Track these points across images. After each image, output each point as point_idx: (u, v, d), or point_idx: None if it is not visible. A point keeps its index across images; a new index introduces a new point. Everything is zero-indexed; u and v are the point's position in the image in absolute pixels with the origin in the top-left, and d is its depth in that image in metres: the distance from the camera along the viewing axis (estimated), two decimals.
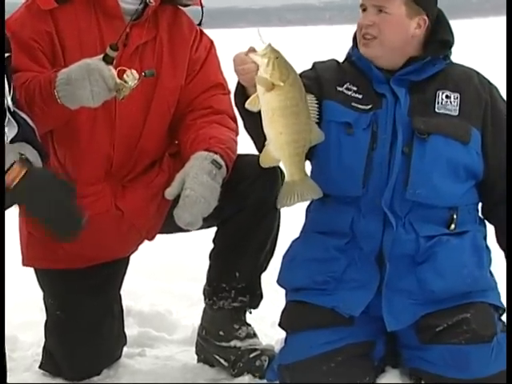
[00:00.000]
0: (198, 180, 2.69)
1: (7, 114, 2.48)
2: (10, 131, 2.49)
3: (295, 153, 2.52)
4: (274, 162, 2.56)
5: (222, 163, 2.75)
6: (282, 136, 2.50)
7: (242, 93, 2.59)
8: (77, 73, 2.62)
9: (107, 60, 2.63)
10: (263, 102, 2.48)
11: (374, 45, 2.77)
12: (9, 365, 2.59)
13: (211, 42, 3.00)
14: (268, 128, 2.51)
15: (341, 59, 2.92)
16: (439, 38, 2.81)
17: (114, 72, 2.63)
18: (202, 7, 2.97)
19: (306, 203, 2.88)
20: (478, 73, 2.88)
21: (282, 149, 2.52)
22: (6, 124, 2.47)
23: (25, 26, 2.77)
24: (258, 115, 2.53)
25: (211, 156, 2.74)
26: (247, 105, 2.53)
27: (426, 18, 2.79)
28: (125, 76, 2.63)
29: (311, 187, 2.64)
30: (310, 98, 2.53)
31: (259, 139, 2.60)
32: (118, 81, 2.62)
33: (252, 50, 2.49)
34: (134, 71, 2.65)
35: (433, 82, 2.80)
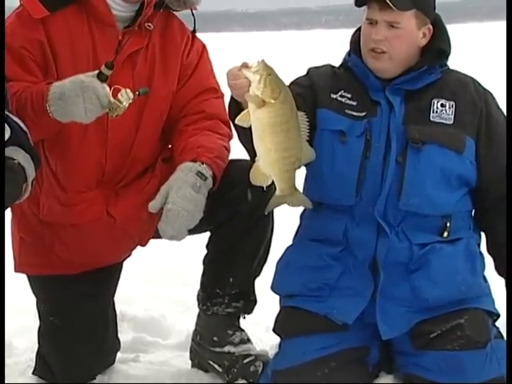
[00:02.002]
0: (181, 193, 2.68)
1: None
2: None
3: (285, 169, 2.51)
4: (265, 179, 2.54)
5: (208, 174, 2.73)
6: (271, 153, 2.49)
7: (236, 106, 2.58)
8: (70, 89, 2.60)
9: (101, 78, 2.62)
10: (253, 118, 2.47)
11: (384, 59, 2.76)
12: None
13: (203, 46, 2.99)
14: (258, 144, 2.51)
15: (336, 63, 2.92)
16: (436, 46, 2.80)
17: (109, 90, 2.62)
18: (193, 15, 2.96)
19: (300, 209, 2.88)
20: (474, 80, 2.87)
21: (271, 165, 2.51)
22: None
23: (15, 35, 2.75)
24: (250, 130, 2.52)
25: (196, 167, 2.72)
26: (238, 121, 2.52)
27: (430, 26, 2.78)
28: (119, 95, 2.62)
29: (301, 201, 2.64)
30: (300, 115, 2.52)
31: (251, 153, 2.60)
32: (112, 100, 2.61)
33: (245, 65, 2.48)
34: (129, 90, 2.64)
35: (428, 91, 2.80)
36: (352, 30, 2.90)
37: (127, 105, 2.63)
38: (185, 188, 2.68)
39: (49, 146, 2.83)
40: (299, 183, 2.68)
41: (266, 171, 2.52)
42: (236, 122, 2.53)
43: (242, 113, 2.50)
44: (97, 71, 2.63)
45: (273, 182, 2.54)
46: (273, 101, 2.44)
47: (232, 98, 2.58)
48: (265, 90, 2.44)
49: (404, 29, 2.74)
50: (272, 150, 2.49)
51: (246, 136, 2.56)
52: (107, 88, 2.62)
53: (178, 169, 2.74)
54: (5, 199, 2.44)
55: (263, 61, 2.46)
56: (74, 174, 2.84)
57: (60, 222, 2.86)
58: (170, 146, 2.99)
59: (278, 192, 2.57)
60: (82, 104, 2.59)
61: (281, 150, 2.49)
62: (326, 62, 2.95)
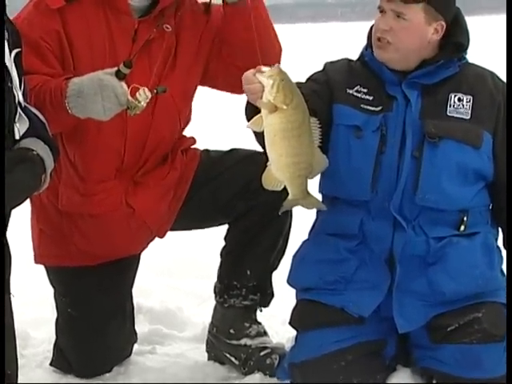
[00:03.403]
0: None
1: (18, 109, 2.48)
2: (22, 126, 2.49)
3: (296, 175, 2.51)
4: (277, 183, 2.54)
5: None
6: (282, 158, 2.49)
7: (252, 110, 2.56)
8: (89, 87, 2.61)
9: (120, 76, 2.62)
10: (266, 123, 2.47)
11: (389, 50, 2.75)
12: (20, 361, 2.59)
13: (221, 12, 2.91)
14: (269, 149, 2.51)
15: (352, 56, 2.91)
16: (454, 40, 2.78)
17: (127, 89, 2.63)
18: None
19: None
20: (492, 74, 2.85)
21: (282, 171, 2.51)
22: (17, 120, 2.48)
23: (33, 26, 2.76)
24: (263, 134, 2.52)
25: None
26: (250, 125, 2.52)
27: (443, 23, 2.75)
28: (137, 95, 2.63)
29: (314, 204, 2.65)
30: (313, 121, 2.52)
31: (266, 156, 2.60)
32: (130, 98, 2.62)
33: (259, 70, 2.48)
34: (147, 89, 2.64)
35: (446, 85, 2.78)
36: (368, 23, 2.89)
37: (145, 104, 2.64)
38: None
39: (67, 136, 2.84)
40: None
41: (277, 176, 2.53)
42: (248, 126, 2.53)
43: (255, 117, 2.51)
44: (115, 69, 2.63)
45: (285, 186, 2.54)
46: (285, 106, 2.45)
47: (248, 101, 2.58)
48: (277, 96, 2.44)
49: (411, 21, 2.72)
50: (283, 156, 2.49)
51: (260, 139, 2.56)
52: (125, 86, 2.63)
53: None
54: (24, 190, 2.45)
55: (277, 66, 2.46)
56: (93, 164, 2.85)
57: (79, 212, 2.87)
58: (189, 136, 2.99)
59: (290, 196, 2.57)
60: (101, 102, 2.60)
61: (292, 156, 2.49)
62: (342, 56, 2.94)
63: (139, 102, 2.63)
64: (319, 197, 2.84)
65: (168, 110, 2.89)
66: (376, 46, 2.77)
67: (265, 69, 2.47)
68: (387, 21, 2.73)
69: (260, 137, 2.57)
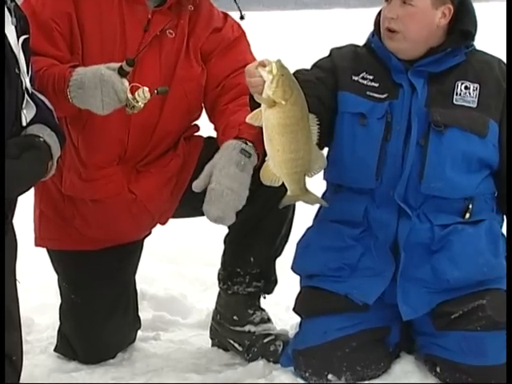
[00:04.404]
0: (225, 172, 2.64)
1: (25, 95, 2.48)
2: (29, 113, 2.49)
3: (293, 171, 2.50)
4: (275, 179, 2.53)
5: (252, 151, 2.69)
6: (279, 154, 2.48)
7: (255, 103, 2.54)
8: (90, 80, 2.61)
9: (122, 73, 2.62)
10: (264, 118, 2.46)
11: (398, 38, 2.73)
12: (24, 347, 2.61)
13: (238, 25, 2.96)
14: (267, 144, 2.50)
15: (356, 43, 2.89)
16: (462, 27, 2.75)
17: (127, 86, 2.62)
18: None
19: (321, 190, 2.87)
20: (500, 61, 2.83)
21: (279, 166, 2.50)
22: (24, 106, 2.48)
23: (45, 6, 2.76)
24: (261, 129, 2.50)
25: (240, 145, 2.68)
26: (249, 119, 2.51)
27: (451, 6, 2.73)
28: (136, 94, 2.62)
29: (314, 200, 2.65)
30: (311, 118, 2.50)
31: None
32: (130, 96, 2.62)
33: (262, 63, 2.47)
34: (146, 89, 2.63)
35: (452, 73, 2.77)
36: (371, 10, 2.87)
37: (142, 105, 2.64)
38: (229, 167, 2.64)
39: (71, 120, 2.84)
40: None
41: (275, 171, 2.52)
42: (247, 120, 2.52)
43: (254, 112, 2.50)
44: (118, 64, 2.63)
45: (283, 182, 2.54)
46: (283, 102, 2.43)
47: (251, 94, 2.57)
48: (276, 91, 2.43)
49: (417, 7, 2.70)
50: (280, 151, 2.48)
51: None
52: (126, 83, 2.62)
53: (221, 148, 2.71)
54: (30, 177, 2.45)
55: (279, 60, 2.45)
56: (95, 150, 2.85)
57: (81, 196, 2.87)
58: (192, 124, 2.99)
59: (288, 192, 2.57)
60: (100, 97, 2.60)
61: (289, 152, 2.48)
62: (346, 42, 2.93)
63: (137, 101, 2.63)
64: (323, 184, 2.84)
65: (179, 106, 2.88)
66: (385, 36, 2.75)
67: (267, 62, 2.46)
68: (394, 9, 2.71)
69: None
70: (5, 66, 2.39)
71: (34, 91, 2.52)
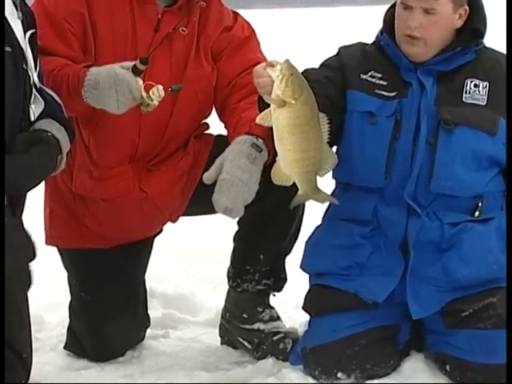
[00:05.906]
0: (236, 163, 2.65)
1: (33, 90, 2.48)
2: (37, 108, 2.50)
3: (304, 171, 2.50)
4: (286, 178, 2.53)
5: (263, 146, 2.70)
6: (289, 153, 2.48)
7: (264, 103, 2.54)
8: (104, 79, 2.62)
9: (135, 72, 2.63)
10: (274, 118, 2.46)
11: (420, 45, 2.72)
12: (34, 345, 2.62)
13: (248, 24, 2.97)
14: (278, 144, 2.50)
15: (364, 41, 2.89)
16: (472, 26, 2.75)
17: (142, 85, 2.63)
18: None
19: (330, 189, 2.87)
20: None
21: (290, 166, 2.50)
22: (32, 101, 2.48)
23: (59, 6, 2.77)
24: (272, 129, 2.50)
25: (251, 139, 2.69)
26: (258, 120, 2.51)
27: (467, 7, 2.73)
28: (150, 92, 2.64)
29: (324, 199, 2.65)
30: (322, 117, 2.50)
31: None
32: (144, 94, 2.64)
33: (270, 64, 2.46)
34: (161, 88, 2.64)
35: (462, 71, 2.76)
36: (379, 7, 2.87)
37: (157, 103, 2.65)
38: (240, 158, 2.65)
39: (83, 120, 2.85)
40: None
41: (286, 171, 2.52)
42: (257, 121, 2.52)
43: (264, 112, 2.50)
44: (132, 63, 2.64)
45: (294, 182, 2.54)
46: (293, 101, 2.43)
47: (259, 95, 2.57)
48: (286, 90, 2.43)
49: (440, 14, 2.70)
50: (291, 151, 2.48)
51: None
52: (140, 82, 2.64)
53: (233, 142, 2.72)
54: (40, 172, 2.45)
55: (287, 60, 2.45)
56: (106, 150, 2.85)
57: (92, 195, 2.88)
58: (202, 122, 2.99)
59: (300, 192, 2.56)
60: (115, 96, 2.62)
61: (300, 151, 2.48)
62: (355, 41, 2.92)
63: (152, 100, 2.64)
64: (332, 182, 2.84)
65: (189, 105, 2.88)
66: (405, 41, 2.73)
67: (275, 63, 2.45)
68: (416, 18, 2.70)
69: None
70: (12, 61, 2.39)
71: (41, 86, 2.52)
